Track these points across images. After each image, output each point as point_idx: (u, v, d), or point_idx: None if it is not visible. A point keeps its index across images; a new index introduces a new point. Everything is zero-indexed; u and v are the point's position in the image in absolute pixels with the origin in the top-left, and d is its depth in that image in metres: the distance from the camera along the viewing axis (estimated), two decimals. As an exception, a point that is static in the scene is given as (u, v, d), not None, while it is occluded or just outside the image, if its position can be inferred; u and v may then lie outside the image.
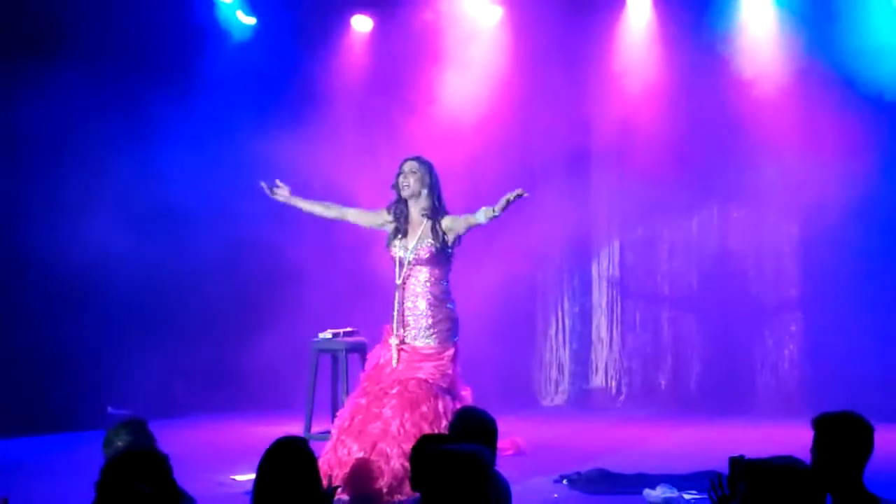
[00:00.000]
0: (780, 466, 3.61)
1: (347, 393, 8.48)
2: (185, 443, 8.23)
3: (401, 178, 7.61)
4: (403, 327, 7.55)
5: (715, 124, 11.27)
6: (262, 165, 11.13)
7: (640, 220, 12.04)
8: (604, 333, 11.97)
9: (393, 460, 7.03)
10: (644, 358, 11.99)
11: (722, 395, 11.41)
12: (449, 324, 7.62)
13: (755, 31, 11.32)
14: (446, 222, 7.55)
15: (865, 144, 10.56)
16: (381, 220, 7.75)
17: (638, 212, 12.02)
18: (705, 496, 7.13)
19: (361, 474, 6.99)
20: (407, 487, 6.76)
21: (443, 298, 7.60)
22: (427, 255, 7.53)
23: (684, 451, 9.15)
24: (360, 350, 8.81)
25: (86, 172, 10.65)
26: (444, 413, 7.22)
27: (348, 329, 8.86)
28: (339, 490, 6.56)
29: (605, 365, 11.70)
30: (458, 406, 7.00)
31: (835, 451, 4.04)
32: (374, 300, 11.11)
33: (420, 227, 7.59)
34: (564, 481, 8.10)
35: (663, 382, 11.89)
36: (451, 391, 7.53)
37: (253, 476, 4.26)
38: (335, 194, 11.24)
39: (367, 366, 7.74)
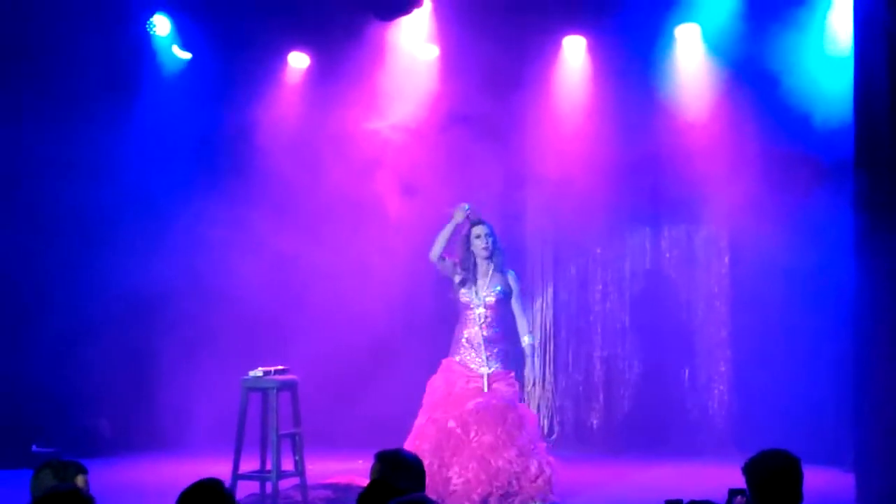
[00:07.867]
0: None
1: (277, 431, 8.40)
2: (110, 482, 8.08)
3: (478, 241, 8.88)
4: (480, 357, 8.85)
5: (648, 166, 11.33)
6: (196, 197, 11.10)
7: (574, 260, 12.07)
8: (536, 372, 11.95)
9: (501, 469, 8.38)
10: (576, 397, 11.99)
11: (653, 435, 11.43)
12: (507, 355, 9.01)
13: (687, 70, 11.42)
14: (511, 281, 8.91)
15: (796, 179, 10.63)
16: (454, 272, 8.96)
17: (572, 252, 12.06)
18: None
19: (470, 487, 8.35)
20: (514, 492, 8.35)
21: (503, 335, 8.95)
22: (493, 301, 8.86)
23: (615, 492, 9.16)
24: (291, 388, 8.69)
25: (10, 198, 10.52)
26: (523, 418, 8.76)
27: (279, 367, 8.74)
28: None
29: (537, 404, 11.67)
30: (521, 413, 8.83)
31: (768, 491, 4.05)
32: (298, 338, 11.08)
33: (487, 277, 8.89)
34: (495, 522, 8.06)
35: (595, 422, 11.90)
36: (517, 403, 8.92)
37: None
38: (265, 229, 11.25)
39: (432, 393, 8.85)
